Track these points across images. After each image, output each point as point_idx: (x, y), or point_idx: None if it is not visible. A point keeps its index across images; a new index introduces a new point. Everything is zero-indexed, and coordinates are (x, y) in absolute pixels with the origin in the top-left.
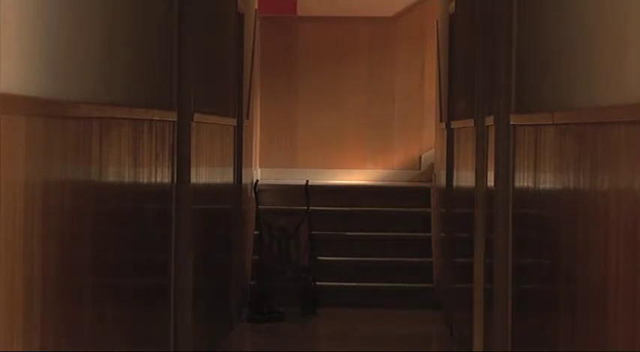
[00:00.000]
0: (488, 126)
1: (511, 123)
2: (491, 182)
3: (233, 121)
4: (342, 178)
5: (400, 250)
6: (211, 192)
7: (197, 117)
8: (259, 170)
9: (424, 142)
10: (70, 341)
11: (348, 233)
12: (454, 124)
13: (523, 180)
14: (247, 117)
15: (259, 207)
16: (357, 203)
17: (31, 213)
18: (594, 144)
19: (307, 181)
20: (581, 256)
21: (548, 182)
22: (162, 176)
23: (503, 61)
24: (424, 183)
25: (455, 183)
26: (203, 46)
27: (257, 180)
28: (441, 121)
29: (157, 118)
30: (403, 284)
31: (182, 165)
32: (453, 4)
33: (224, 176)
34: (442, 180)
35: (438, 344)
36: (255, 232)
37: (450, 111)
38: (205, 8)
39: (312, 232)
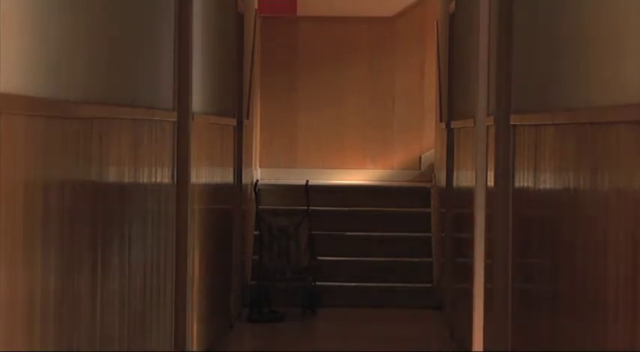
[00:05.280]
0: (488, 126)
1: (511, 123)
2: (491, 182)
3: (233, 121)
4: (342, 178)
5: (400, 250)
6: (211, 192)
7: (197, 117)
8: (259, 170)
9: (424, 142)
10: (69, 341)
11: (348, 233)
12: (454, 124)
13: (523, 180)
14: (247, 117)
15: (259, 207)
16: (357, 203)
17: (31, 212)
18: (594, 144)
19: (307, 181)
20: (580, 256)
21: (548, 182)
22: (162, 176)
23: (503, 61)
24: (424, 183)
25: (455, 183)
26: (203, 46)
27: (257, 180)
28: (440, 121)
29: (157, 118)
30: (403, 284)
31: (182, 165)
32: (453, 4)
33: (224, 176)
34: (442, 180)
35: (438, 344)
36: (255, 232)
37: (450, 111)
38: (205, 8)
39: (312, 232)
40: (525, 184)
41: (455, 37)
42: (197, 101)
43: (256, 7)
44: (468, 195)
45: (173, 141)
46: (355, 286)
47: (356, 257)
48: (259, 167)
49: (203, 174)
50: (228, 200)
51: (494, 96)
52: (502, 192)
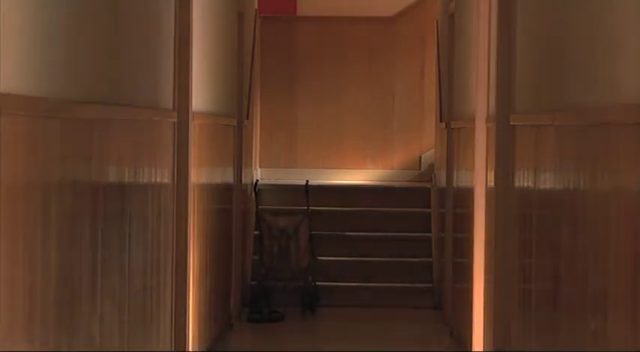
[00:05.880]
0: (488, 126)
1: (511, 123)
2: (491, 182)
3: (233, 121)
4: (342, 178)
5: (400, 250)
6: (211, 192)
7: (197, 117)
8: (259, 170)
9: (424, 142)
10: (69, 341)
11: (348, 233)
12: (454, 124)
13: (523, 180)
14: (247, 117)
15: (259, 207)
16: (357, 203)
17: (31, 213)
18: (594, 144)
19: (307, 181)
20: (580, 256)
21: (548, 182)
22: (162, 176)
23: (503, 61)
24: (424, 183)
25: (455, 183)
26: (203, 46)
27: (257, 180)
28: (441, 121)
29: (157, 118)
30: (403, 284)
31: (182, 165)
32: (453, 4)
33: (224, 176)
34: (442, 180)
35: (438, 344)
36: (255, 232)
37: (450, 111)
38: (205, 8)
39: (312, 232)
40: (525, 184)
41: (455, 37)
42: (197, 101)
43: (256, 6)
44: (468, 195)
45: (173, 141)
46: (355, 286)
47: (356, 257)
48: (259, 167)
49: (203, 174)
50: (228, 200)
51: (494, 96)
52: (502, 192)
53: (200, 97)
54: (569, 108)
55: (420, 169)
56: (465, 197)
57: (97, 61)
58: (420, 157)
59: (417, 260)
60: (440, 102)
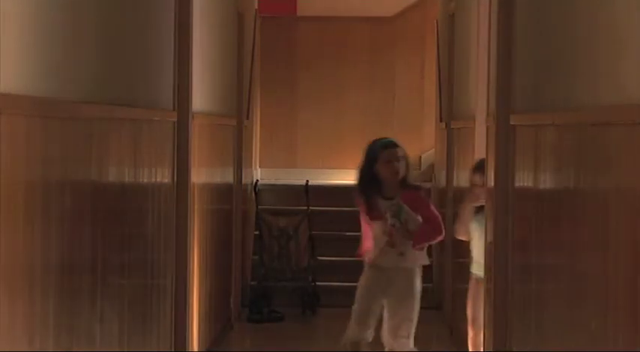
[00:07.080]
0: (488, 126)
1: (511, 123)
2: (491, 182)
3: (233, 121)
4: (342, 178)
5: None
6: (211, 192)
7: (197, 117)
8: (259, 170)
9: (424, 142)
10: (69, 340)
11: (348, 233)
12: (454, 124)
13: (523, 179)
14: (247, 117)
15: (259, 207)
16: None
17: (31, 213)
18: (594, 144)
19: (307, 181)
20: (580, 256)
21: (547, 182)
22: (162, 176)
23: (503, 61)
24: (424, 183)
25: (455, 183)
26: (203, 46)
27: (257, 180)
28: (441, 121)
29: (157, 118)
30: None
31: (182, 165)
32: (453, 4)
33: (224, 176)
34: (442, 180)
35: (438, 344)
36: (255, 232)
37: (450, 111)
38: (205, 8)
39: (312, 232)
40: (525, 184)
41: (455, 37)
42: (197, 101)
43: (256, 6)
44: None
45: (173, 141)
46: (355, 286)
47: (356, 257)
48: (259, 167)
49: (203, 174)
50: (228, 200)
51: (494, 96)
52: (502, 192)
53: (200, 97)
54: (569, 109)
55: (420, 169)
56: (464, 197)
57: (97, 61)
58: (420, 157)
59: None
60: (440, 102)
